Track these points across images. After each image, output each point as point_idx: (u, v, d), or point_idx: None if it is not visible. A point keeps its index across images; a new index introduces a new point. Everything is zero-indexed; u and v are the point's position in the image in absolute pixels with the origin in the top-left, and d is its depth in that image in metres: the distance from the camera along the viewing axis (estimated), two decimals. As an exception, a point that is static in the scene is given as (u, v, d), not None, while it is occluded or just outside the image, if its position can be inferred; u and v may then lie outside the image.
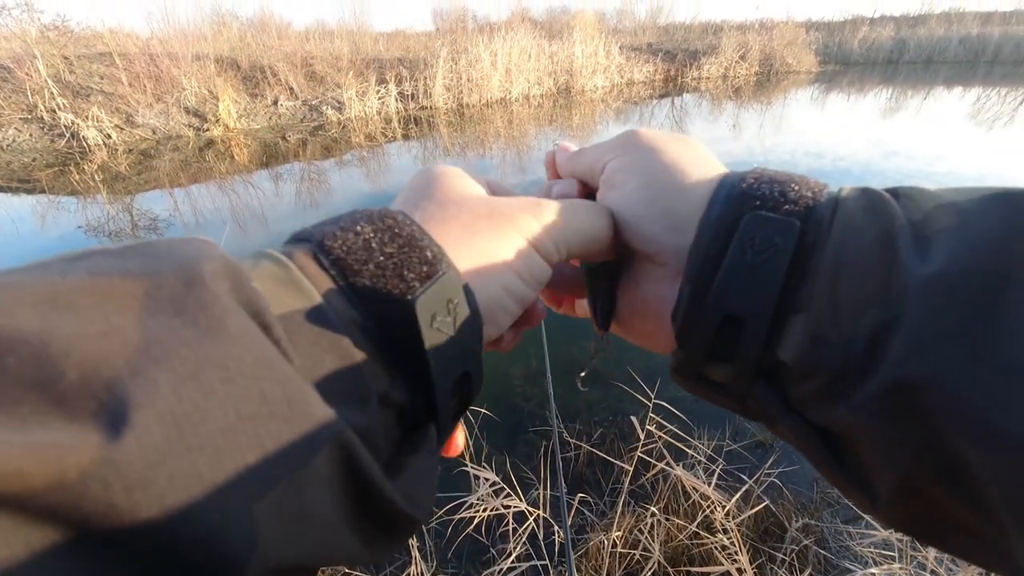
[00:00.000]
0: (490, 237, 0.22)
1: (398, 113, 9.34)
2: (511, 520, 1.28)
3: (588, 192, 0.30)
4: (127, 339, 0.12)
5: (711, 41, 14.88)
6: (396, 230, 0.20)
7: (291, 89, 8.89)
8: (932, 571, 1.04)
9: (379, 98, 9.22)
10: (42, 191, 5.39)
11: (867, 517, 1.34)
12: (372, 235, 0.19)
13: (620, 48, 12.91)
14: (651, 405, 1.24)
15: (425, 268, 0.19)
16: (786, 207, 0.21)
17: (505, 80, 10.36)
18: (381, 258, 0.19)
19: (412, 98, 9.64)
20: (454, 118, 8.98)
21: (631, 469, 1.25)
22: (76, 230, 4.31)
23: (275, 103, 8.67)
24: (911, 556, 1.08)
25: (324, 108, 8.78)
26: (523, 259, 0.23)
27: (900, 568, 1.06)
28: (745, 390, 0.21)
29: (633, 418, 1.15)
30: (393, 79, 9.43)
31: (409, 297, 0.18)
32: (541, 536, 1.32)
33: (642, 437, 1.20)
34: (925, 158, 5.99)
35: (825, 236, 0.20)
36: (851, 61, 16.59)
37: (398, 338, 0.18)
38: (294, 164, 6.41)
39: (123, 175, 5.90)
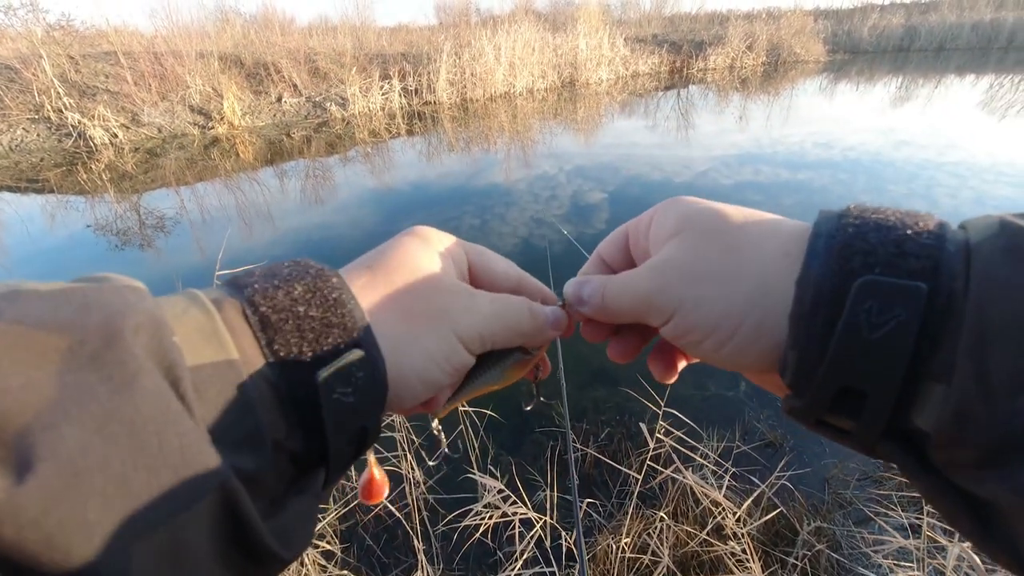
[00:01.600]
0: (422, 327, 0.24)
1: (402, 109, 9.31)
2: (518, 525, 1.27)
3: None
4: (43, 393, 0.14)
5: (717, 31, 14.68)
6: (326, 293, 0.21)
7: (295, 86, 8.88)
8: (947, 577, 1.03)
9: (383, 94, 9.19)
10: (51, 191, 5.43)
11: (879, 520, 1.32)
12: (301, 295, 0.21)
13: (625, 40, 12.77)
14: (661, 412, 1.23)
15: (340, 340, 0.21)
16: (906, 265, 0.18)
17: (509, 74, 10.29)
18: (303, 323, 0.20)
19: (416, 93, 9.60)
20: (458, 113, 8.93)
21: (640, 476, 1.24)
22: (85, 229, 4.34)
23: (279, 100, 8.67)
24: (929, 564, 1.06)
25: (328, 104, 8.76)
26: (445, 352, 0.25)
27: (916, 574, 1.04)
28: (873, 442, 0.20)
29: (642, 424, 1.13)
30: (397, 74, 9.39)
31: (316, 372, 0.20)
32: (548, 542, 1.32)
33: (651, 444, 1.18)
34: (936, 148, 5.88)
35: (961, 297, 0.17)
36: (860, 50, 16.32)
37: (301, 399, 0.20)
38: (299, 161, 6.41)
39: (130, 174, 5.92)
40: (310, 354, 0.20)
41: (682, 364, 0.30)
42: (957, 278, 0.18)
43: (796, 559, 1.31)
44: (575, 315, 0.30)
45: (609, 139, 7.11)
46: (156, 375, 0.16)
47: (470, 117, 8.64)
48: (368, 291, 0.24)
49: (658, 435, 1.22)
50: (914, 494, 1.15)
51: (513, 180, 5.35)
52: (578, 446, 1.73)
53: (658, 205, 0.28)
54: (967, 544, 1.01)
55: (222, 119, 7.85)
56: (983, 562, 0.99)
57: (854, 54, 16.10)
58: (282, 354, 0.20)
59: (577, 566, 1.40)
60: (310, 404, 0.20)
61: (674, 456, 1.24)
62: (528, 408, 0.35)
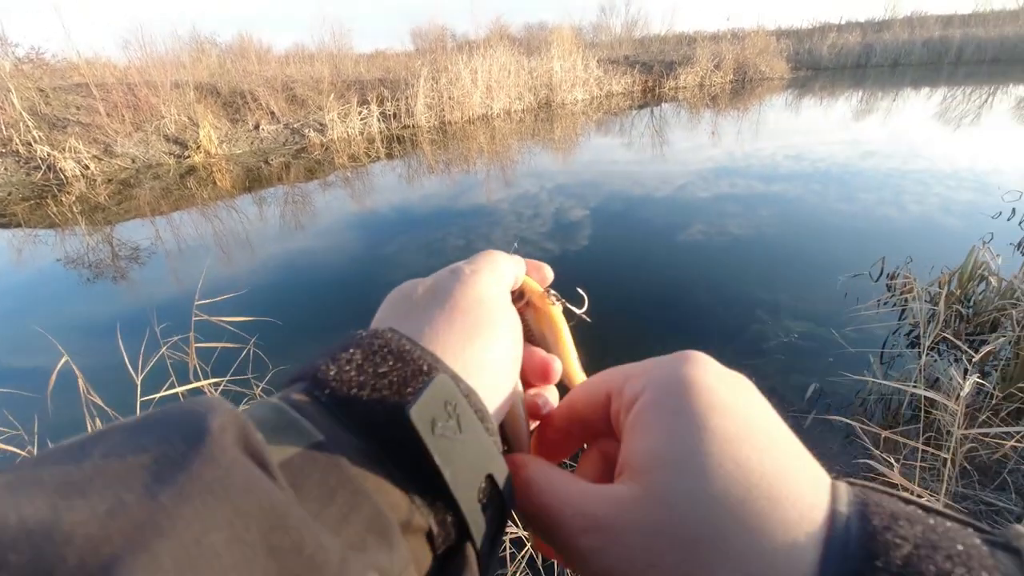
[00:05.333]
0: (487, 339, 0.22)
1: (381, 133, 9.37)
2: (509, 546, 1.24)
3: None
4: (132, 514, 0.12)
5: (686, 52, 15.26)
6: (387, 348, 0.20)
7: (272, 113, 8.89)
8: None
9: (361, 119, 9.26)
10: (18, 225, 5.27)
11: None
12: (363, 360, 0.19)
13: (598, 61, 13.17)
14: None
15: (421, 379, 0.19)
16: None
17: (486, 96, 10.48)
18: (375, 380, 0.19)
19: (394, 117, 9.69)
20: (437, 136, 9.03)
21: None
22: (54, 263, 4.22)
23: (256, 127, 8.66)
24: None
25: (306, 131, 8.78)
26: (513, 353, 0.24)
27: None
28: None
29: None
30: (375, 100, 9.49)
31: (405, 411, 0.17)
32: (540, 560, 1.28)
33: None
34: (900, 157, 6.14)
35: None
36: (821, 66, 17.12)
37: (406, 456, 0.17)
38: (278, 187, 6.37)
39: (103, 205, 5.80)
40: (391, 407, 0.18)
41: None
42: None
43: None
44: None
45: (588, 157, 7.25)
46: (251, 466, 0.14)
47: (449, 139, 8.74)
48: (431, 333, 0.22)
49: None
50: (898, 493, 1.17)
51: (495, 200, 5.39)
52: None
53: (652, 371, 0.22)
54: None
55: (198, 148, 7.79)
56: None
57: (816, 71, 16.86)
58: (366, 421, 0.18)
59: (573, 585, 1.36)
60: (419, 460, 0.17)
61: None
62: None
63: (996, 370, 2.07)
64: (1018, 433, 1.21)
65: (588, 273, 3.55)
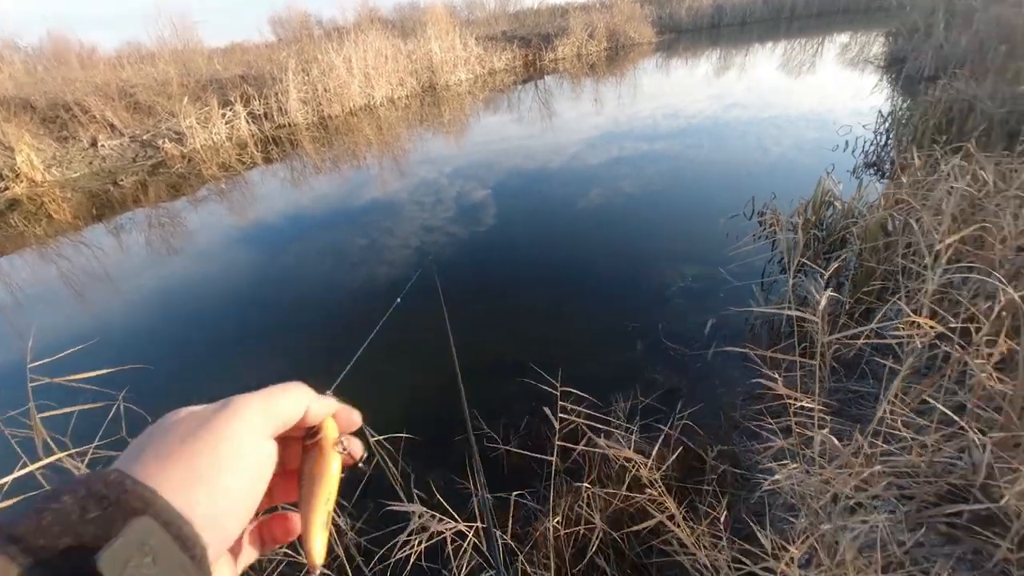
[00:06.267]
0: (223, 475, 0.24)
1: (253, 136, 8.50)
2: (451, 539, 1.21)
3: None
4: None
5: (560, 23, 15.61)
6: (101, 493, 0.20)
7: (111, 125, 7.64)
8: (820, 464, 1.18)
9: (227, 122, 8.30)
10: None
11: (765, 432, 1.48)
12: (72, 506, 0.20)
13: (476, 39, 13.01)
14: (558, 394, 1.24)
15: (128, 520, 0.20)
16: None
17: (365, 86, 9.92)
18: (80, 527, 0.19)
19: (266, 117, 8.83)
20: (318, 132, 8.40)
21: (554, 458, 1.24)
22: None
23: (94, 145, 7.40)
24: (803, 455, 1.21)
25: (160, 142, 7.68)
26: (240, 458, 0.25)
27: (795, 466, 1.18)
28: None
29: (545, 408, 1.13)
30: (239, 99, 8.54)
31: (93, 558, 0.18)
32: (486, 545, 1.27)
33: (557, 425, 1.19)
34: (757, 106, 6.86)
35: None
36: (682, 29, 18.51)
37: None
38: (136, 211, 5.54)
39: None
40: (86, 550, 0.19)
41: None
42: None
43: (707, 484, 1.41)
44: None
45: (480, 137, 7.19)
46: None
47: (332, 135, 8.17)
48: (156, 462, 0.23)
49: (561, 415, 1.23)
50: (786, 401, 1.32)
51: (392, 191, 5.17)
52: (498, 441, 1.70)
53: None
54: (826, 430, 1.16)
55: (17, 176, 6.49)
56: (841, 444, 1.14)
57: (678, 33, 18.19)
58: (57, 565, 0.18)
59: (521, 559, 1.37)
60: None
61: (586, 429, 1.26)
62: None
63: (848, 280, 2.41)
64: (868, 330, 1.42)
65: (497, 252, 3.54)
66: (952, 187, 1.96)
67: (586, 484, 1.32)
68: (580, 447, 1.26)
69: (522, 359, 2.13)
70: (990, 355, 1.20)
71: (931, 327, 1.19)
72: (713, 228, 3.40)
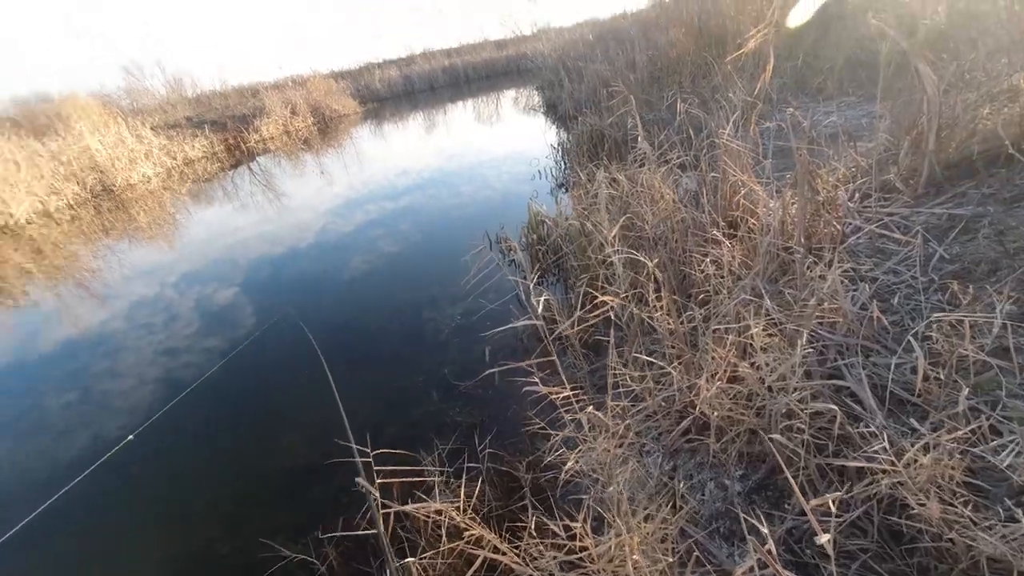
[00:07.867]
0: None
1: None
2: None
3: None
4: None
5: (255, 103, 14.86)
6: None
7: None
8: (592, 438, 1.41)
9: None
10: None
11: (551, 431, 1.68)
12: None
13: (153, 129, 11.19)
14: (372, 458, 1.16)
15: None
16: None
17: (-8, 204, 7.33)
18: None
19: None
20: (-85, 282, 5.74)
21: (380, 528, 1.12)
22: None
23: None
24: (581, 437, 1.43)
25: None
26: None
27: (579, 449, 1.38)
28: None
29: (359, 479, 1.02)
30: None
31: None
32: None
33: (377, 494, 1.09)
34: (472, 154, 7.94)
35: None
36: (381, 97, 20.06)
37: None
38: None
39: None
40: None
41: None
42: None
43: (526, 499, 1.52)
44: None
45: (202, 233, 6.18)
46: None
47: (-54, 280, 5.71)
48: None
49: (380, 481, 1.16)
50: (551, 397, 1.54)
51: (99, 324, 3.95)
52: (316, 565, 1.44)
53: None
54: (589, 408, 1.40)
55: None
56: (602, 414, 1.38)
57: (380, 101, 19.63)
58: None
59: None
60: None
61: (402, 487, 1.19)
62: None
63: (572, 277, 2.98)
64: (576, 317, 1.80)
65: (263, 353, 3.07)
66: (607, 192, 2.67)
67: (415, 560, 1.24)
68: (401, 508, 1.17)
69: (319, 452, 1.88)
70: (660, 307, 1.66)
71: (614, 299, 1.58)
72: (462, 265, 3.74)
